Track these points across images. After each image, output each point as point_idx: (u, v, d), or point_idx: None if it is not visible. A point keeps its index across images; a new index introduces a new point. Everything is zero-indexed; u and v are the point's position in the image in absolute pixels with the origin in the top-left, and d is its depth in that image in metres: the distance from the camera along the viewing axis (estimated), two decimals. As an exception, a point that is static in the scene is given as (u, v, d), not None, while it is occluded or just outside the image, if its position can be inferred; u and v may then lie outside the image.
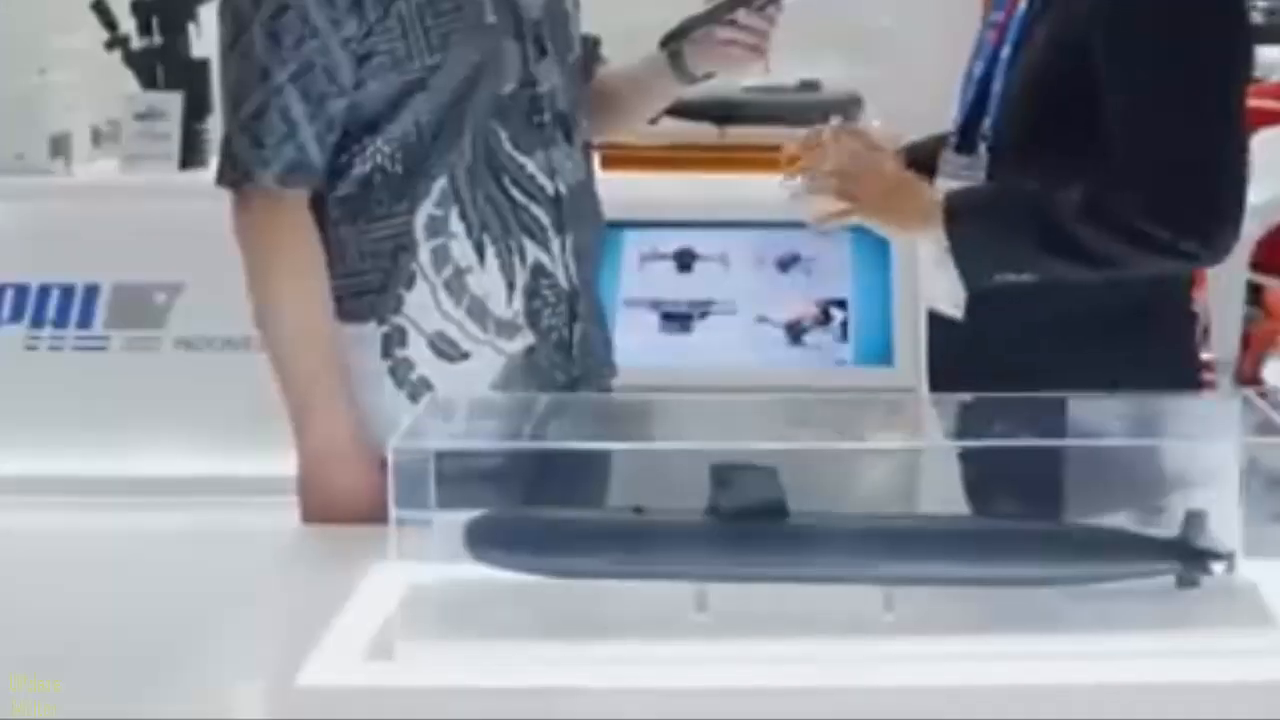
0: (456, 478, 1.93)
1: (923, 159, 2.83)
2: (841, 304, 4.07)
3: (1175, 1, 2.60)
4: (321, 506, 2.50)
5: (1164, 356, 2.73)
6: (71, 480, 4.07)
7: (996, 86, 2.71)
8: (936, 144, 2.86)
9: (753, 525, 1.92)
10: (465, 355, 2.57)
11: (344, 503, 2.44)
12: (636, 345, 3.93)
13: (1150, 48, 2.57)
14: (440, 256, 2.55)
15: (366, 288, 2.55)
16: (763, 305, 4.11)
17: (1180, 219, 2.55)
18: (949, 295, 2.74)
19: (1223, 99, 2.61)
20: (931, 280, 2.82)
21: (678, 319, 4.12)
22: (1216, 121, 2.60)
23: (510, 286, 2.58)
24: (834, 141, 2.78)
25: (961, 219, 2.66)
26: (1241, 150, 2.63)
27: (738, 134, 4.46)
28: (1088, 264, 2.59)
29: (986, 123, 2.72)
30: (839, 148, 2.76)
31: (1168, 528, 1.96)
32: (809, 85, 4.54)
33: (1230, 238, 2.61)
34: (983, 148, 2.71)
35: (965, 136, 2.76)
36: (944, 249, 2.66)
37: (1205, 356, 4.33)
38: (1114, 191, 2.56)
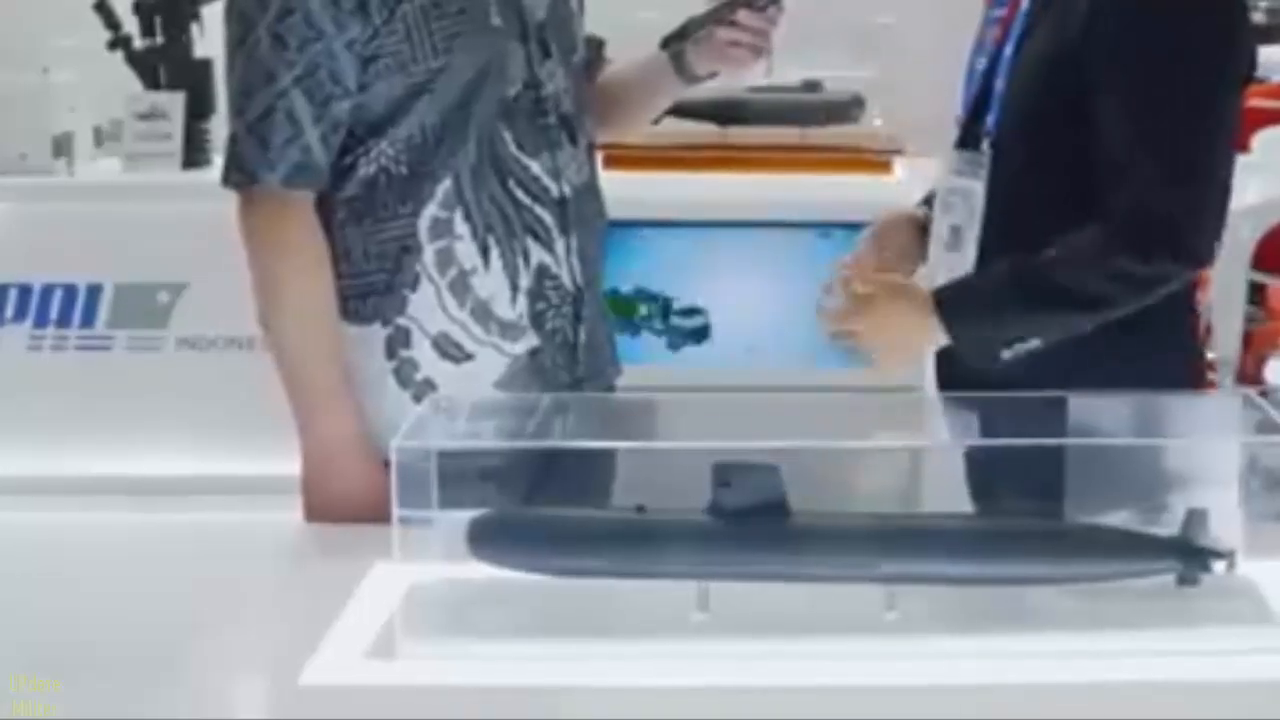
0: (458, 477, 1.93)
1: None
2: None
3: (1174, 10, 2.60)
4: (325, 506, 2.50)
5: (1167, 355, 2.73)
6: (73, 480, 4.07)
7: (999, 83, 2.72)
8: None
9: (754, 524, 1.93)
10: (469, 356, 2.57)
11: (347, 502, 2.45)
12: (639, 345, 3.94)
13: (1147, 51, 2.57)
14: (445, 258, 2.55)
15: (371, 289, 2.56)
16: (764, 304, 4.11)
17: (1149, 242, 2.57)
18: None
19: (1214, 103, 2.61)
20: (936, 272, 2.82)
21: (680, 318, 4.13)
22: (1204, 128, 2.60)
23: (514, 288, 2.58)
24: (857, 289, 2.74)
25: (952, 311, 2.65)
26: (1223, 156, 2.63)
27: (740, 134, 4.47)
28: (1079, 309, 2.59)
29: (989, 119, 2.72)
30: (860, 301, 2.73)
31: (1168, 526, 1.96)
32: (811, 85, 4.55)
33: (1205, 251, 2.62)
34: (985, 144, 2.72)
35: (968, 133, 2.77)
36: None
37: (1207, 356, 4.33)
38: (1087, 233, 2.57)
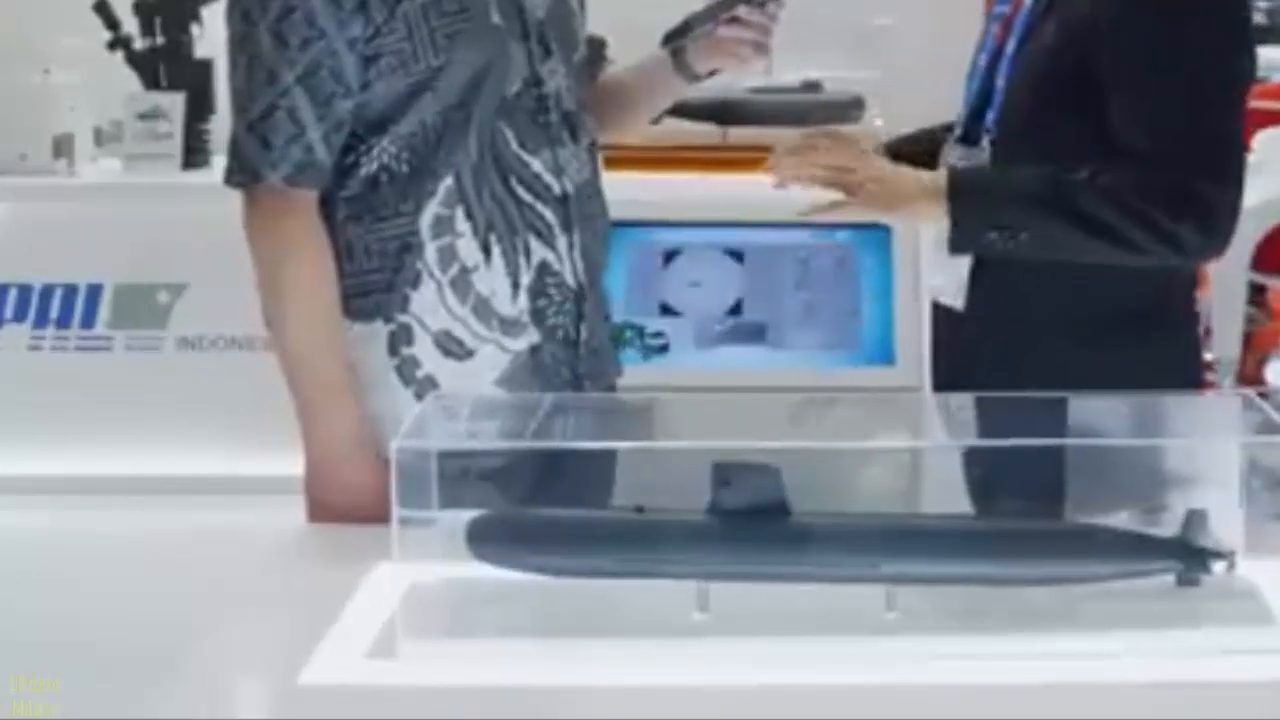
0: (458, 477, 1.93)
1: (905, 153, 2.84)
2: (844, 303, 4.08)
3: (1178, 5, 2.61)
4: (328, 505, 2.50)
5: (1168, 356, 2.73)
6: (74, 480, 4.07)
7: (1001, 80, 2.72)
8: (918, 139, 2.88)
9: (754, 524, 1.93)
10: (471, 353, 2.57)
11: (350, 501, 2.44)
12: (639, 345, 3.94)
13: (1155, 47, 2.58)
14: (446, 255, 2.55)
15: (373, 286, 2.56)
16: (765, 305, 4.11)
17: (1181, 207, 2.57)
18: (950, 285, 2.75)
19: (1226, 101, 2.62)
20: (933, 270, 2.83)
21: (680, 319, 4.13)
22: (1221, 122, 2.61)
23: (515, 285, 2.58)
24: (826, 142, 2.78)
25: (966, 173, 2.69)
26: (1242, 150, 2.64)
27: (740, 134, 4.46)
28: (1084, 229, 2.59)
29: (990, 115, 2.73)
30: (831, 147, 2.77)
31: (1168, 527, 1.96)
32: (811, 86, 4.55)
33: (1227, 234, 2.63)
34: (985, 140, 2.72)
35: (969, 128, 2.77)
36: (942, 205, 2.66)
37: (1206, 356, 4.35)
38: (1123, 172, 2.58)
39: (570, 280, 2.62)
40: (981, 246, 2.65)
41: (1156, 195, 2.57)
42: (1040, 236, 2.61)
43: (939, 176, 2.68)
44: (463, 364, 2.57)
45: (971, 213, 2.65)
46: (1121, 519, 2.00)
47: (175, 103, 4.42)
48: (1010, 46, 2.73)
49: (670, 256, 4.16)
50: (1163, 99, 2.58)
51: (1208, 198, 2.58)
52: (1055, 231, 2.61)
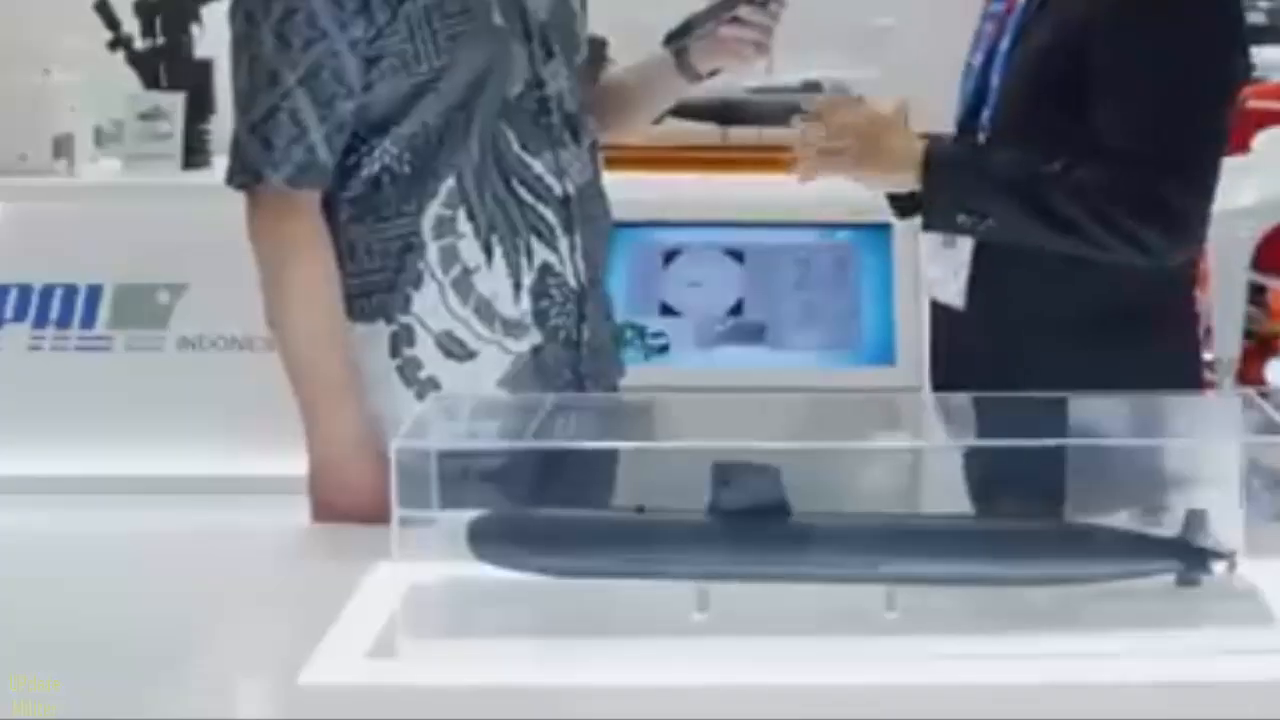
0: (459, 477, 1.93)
1: None
2: (844, 303, 4.08)
3: (1173, 6, 2.61)
4: (331, 506, 2.50)
5: (1168, 356, 2.73)
6: (75, 480, 4.08)
7: (995, 79, 2.73)
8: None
9: (754, 524, 1.93)
10: (473, 354, 2.57)
11: (354, 502, 2.44)
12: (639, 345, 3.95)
13: (1145, 50, 2.59)
14: (448, 256, 2.55)
15: (375, 287, 2.56)
16: (765, 305, 4.11)
17: (1146, 210, 2.58)
18: (950, 285, 2.75)
19: (1211, 105, 2.63)
20: (933, 270, 2.83)
21: (681, 319, 4.13)
22: (1201, 127, 2.62)
23: (517, 286, 2.58)
24: (829, 111, 2.80)
25: (943, 151, 2.70)
26: (1218, 158, 2.64)
27: (740, 135, 4.47)
28: (1048, 224, 2.61)
29: (985, 114, 2.73)
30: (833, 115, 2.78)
31: (1168, 527, 1.96)
32: (811, 86, 4.55)
33: (1194, 238, 2.64)
34: (981, 139, 2.72)
35: (964, 127, 2.77)
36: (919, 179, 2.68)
37: (1206, 356, 4.35)
38: (1092, 169, 2.58)
39: (572, 281, 2.62)
40: (954, 226, 2.66)
41: (1122, 197, 2.58)
42: (1006, 225, 2.63)
43: (920, 146, 2.70)
44: (464, 365, 2.57)
45: (943, 191, 2.67)
46: (1121, 519, 2.00)
47: (175, 103, 4.43)
48: (1004, 45, 2.73)
49: (670, 256, 4.16)
50: (1144, 99, 2.58)
51: (1174, 202, 2.59)
52: (1020, 222, 2.63)
